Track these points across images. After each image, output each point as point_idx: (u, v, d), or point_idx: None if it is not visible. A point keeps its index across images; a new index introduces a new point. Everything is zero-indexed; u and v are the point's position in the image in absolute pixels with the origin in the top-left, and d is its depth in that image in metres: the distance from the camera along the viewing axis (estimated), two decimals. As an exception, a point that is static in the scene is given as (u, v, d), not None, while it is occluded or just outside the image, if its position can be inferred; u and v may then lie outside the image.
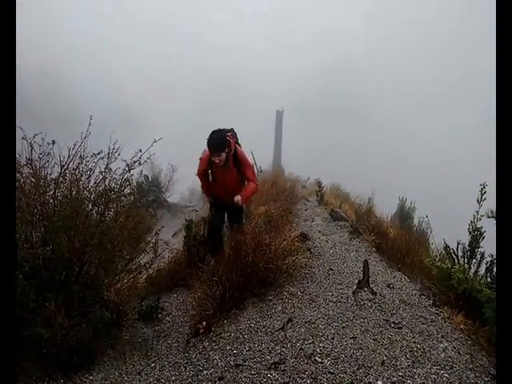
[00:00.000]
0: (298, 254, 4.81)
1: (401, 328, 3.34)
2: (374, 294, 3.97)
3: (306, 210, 8.09)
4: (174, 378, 2.91)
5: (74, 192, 4.04)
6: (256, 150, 12.19)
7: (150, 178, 12.59)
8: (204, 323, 3.47)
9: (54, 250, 3.59)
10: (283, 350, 3.05)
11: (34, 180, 3.93)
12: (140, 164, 4.49)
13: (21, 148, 3.78)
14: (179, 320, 3.82)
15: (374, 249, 5.53)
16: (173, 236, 8.86)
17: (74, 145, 3.93)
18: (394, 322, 3.44)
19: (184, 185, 14.97)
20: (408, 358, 2.88)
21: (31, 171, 3.95)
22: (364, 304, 3.76)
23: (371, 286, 4.04)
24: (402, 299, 3.91)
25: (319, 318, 3.49)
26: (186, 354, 3.19)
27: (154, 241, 4.98)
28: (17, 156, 3.84)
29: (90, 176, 4.23)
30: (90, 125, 3.97)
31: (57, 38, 32.05)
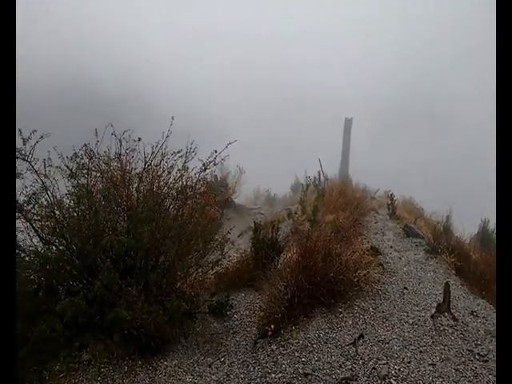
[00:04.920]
0: (369, 268, 4.62)
1: (487, 361, 3.04)
2: (456, 320, 3.66)
3: (375, 222, 7.75)
4: (242, 376, 2.97)
5: (156, 187, 4.35)
6: (323, 158, 12.08)
7: (219, 179, 13.03)
8: (272, 326, 3.48)
9: (136, 238, 3.87)
10: (354, 366, 2.94)
11: (120, 173, 4.30)
12: (215, 164, 4.70)
13: (109, 143, 4.17)
14: (247, 319, 3.88)
15: (453, 271, 5.11)
16: (238, 236, 9.04)
17: (157, 143, 4.25)
18: (479, 354, 3.14)
19: (249, 187, 15.29)
20: (497, 396, 2.61)
21: (119, 165, 4.33)
22: (444, 330, 3.48)
23: (452, 311, 3.73)
24: (488, 330, 3.55)
25: (393, 338, 3.31)
26: (255, 354, 3.23)
27: (222, 240, 5.15)
28: (105, 150, 4.24)
29: (169, 173, 4.53)
30: (171, 125, 4.27)
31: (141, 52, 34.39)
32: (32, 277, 3.59)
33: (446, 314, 3.69)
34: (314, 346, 3.24)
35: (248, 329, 3.70)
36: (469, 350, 3.18)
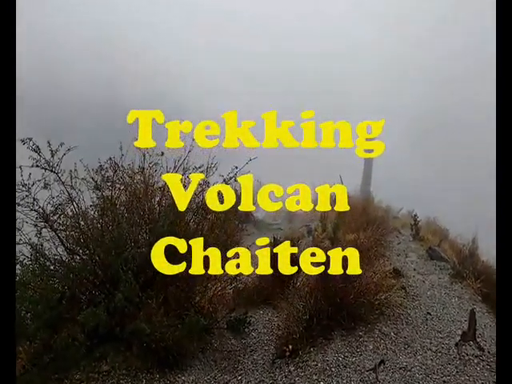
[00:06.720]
0: (391, 291, 4.51)
1: (516, 397, 2.88)
2: (482, 350, 3.51)
3: (398, 243, 7.58)
4: (259, 397, 2.93)
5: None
6: (344, 174, 11.99)
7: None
8: (290, 347, 3.44)
9: (157, 251, 3.92)
10: (374, 393, 2.86)
11: (143, 186, 4.40)
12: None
13: (133, 157, 4.27)
14: (265, 338, 3.85)
15: (479, 298, 4.92)
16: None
17: (179, 158, 4.33)
18: (507, 389, 2.98)
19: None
20: None
21: (142, 178, 4.43)
22: (469, 360, 3.35)
23: (478, 340, 3.58)
24: (517, 363, 3.38)
25: (416, 365, 3.20)
26: (272, 375, 3.19)
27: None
28: (129, 163, 4.34)
29: (191, 187, 4.59)
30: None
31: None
32: (56, 285, 3.69)
33: (472, 342, 3.55)
34: (333, 369, 3.18)
35: (266, 347, 3.67)
36: (496, 383, 3.04)
